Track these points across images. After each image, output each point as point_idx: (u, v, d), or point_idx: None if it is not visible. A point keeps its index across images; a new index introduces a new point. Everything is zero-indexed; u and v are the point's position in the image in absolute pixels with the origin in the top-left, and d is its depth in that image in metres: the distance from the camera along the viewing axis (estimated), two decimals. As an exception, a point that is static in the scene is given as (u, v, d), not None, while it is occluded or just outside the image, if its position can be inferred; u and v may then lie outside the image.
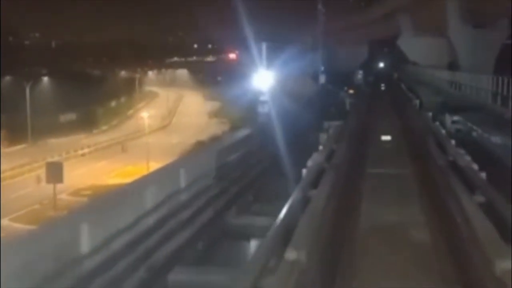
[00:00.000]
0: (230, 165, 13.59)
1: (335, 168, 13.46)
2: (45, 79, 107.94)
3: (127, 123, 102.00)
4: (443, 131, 19.56)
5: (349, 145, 17.65)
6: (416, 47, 65.82)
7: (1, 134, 71.78)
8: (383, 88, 56.37)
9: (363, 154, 16.33)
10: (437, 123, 22.06)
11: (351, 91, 48.52)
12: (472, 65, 43.87)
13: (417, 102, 32.28)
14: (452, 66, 50.02)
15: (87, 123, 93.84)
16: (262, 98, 21.37)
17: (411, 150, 16.82)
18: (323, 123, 23.17)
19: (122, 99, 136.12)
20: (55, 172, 44.92)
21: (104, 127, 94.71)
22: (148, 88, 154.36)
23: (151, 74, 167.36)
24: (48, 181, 45.03)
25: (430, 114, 24.92)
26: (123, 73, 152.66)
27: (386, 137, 19.26)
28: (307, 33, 59.61)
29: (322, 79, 40.51)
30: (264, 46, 22.62)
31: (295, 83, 40.59)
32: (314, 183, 11.72)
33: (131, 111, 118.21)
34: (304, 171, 12.87)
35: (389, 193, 11.61)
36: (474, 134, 19.66)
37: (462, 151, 14.60)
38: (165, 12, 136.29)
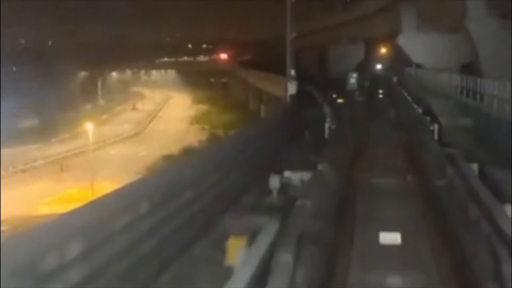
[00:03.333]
0: None
1: None
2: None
3: (96, 130, 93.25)
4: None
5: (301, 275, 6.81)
6: (420, 46, 55.44)
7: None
8: (381, 96, 46.92)
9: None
10: (509, 206, 9.67)
11: (340, 100, 38.54)
12: (498, 69, 33.07)
13: (435, 127, 20.73)
14: (470, 69, 38.97)
15: (49, 130, 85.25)
16: None
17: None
18: (272, 178, 12.15)
19: (101, 102, 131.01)
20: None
21: (65, 135, 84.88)
22: (135, 88, 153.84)
23: (142, 74, 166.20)
24: None
25: (476, 167, 12.60)
26: (110, 74, 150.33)
27: (389, 237, 8.52)
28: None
29: (292, 89, 28.10)
30: None
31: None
32: None
33: (105, 116, 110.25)
34: None
35: None
36: None
37: None
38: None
